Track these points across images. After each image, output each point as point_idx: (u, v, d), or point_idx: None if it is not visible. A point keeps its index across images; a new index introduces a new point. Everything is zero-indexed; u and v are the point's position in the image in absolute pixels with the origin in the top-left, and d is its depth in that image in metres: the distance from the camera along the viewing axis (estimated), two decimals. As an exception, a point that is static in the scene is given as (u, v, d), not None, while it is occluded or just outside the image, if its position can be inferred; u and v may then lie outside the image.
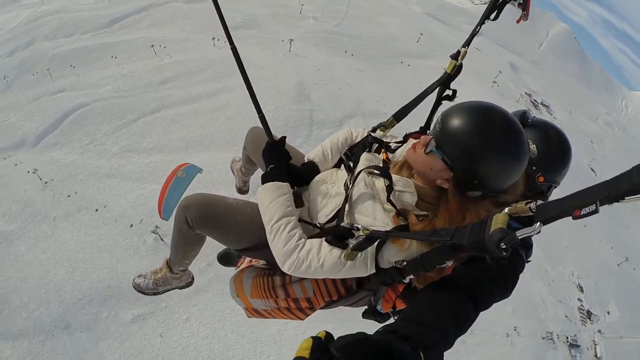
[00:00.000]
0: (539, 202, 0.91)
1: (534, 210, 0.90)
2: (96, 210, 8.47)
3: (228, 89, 10.75)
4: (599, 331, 11.77)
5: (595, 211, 0.77)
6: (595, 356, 10.93)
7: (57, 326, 7.08)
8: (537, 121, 1.67)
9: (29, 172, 9.25)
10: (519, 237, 0.87)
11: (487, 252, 0.94)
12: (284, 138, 1.74)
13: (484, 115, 1.25)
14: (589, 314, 12.44)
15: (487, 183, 1.28)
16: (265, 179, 1.60)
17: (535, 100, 23.61)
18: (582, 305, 12.57)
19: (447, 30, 21.97)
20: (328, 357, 0.78)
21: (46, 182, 9.04)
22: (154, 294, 2.45)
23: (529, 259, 1.60)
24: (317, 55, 13.76)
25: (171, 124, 10.09)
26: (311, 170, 1.78)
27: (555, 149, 1.61)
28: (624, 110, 39.55)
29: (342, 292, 1.72)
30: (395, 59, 16.33)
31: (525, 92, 23.34)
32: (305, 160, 1.83)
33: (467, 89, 16.52)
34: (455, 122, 1.26)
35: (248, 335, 7.28)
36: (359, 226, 1.34)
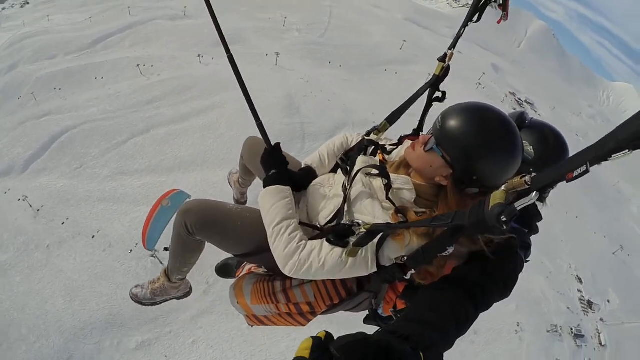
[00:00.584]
0: (534, 174, 0.94)
1: (529, 183, 0.93)
2: (92, 237, 8.39)
3: (217, 106, 10.79)
4: (601, 319, 12.06)
5: (586, 171, 0.81)
6: (600, 344, 11.21)
7: (60, 358, 6.99)
8: (535, 123, 1.72)
9: (19, 199, 9.11)
10: (518, 208, 0.91)
11: (488, 229, 0.98)
12: (278, 144, 1.79)
13: (483, 115, 1.32)
14: (590, 303, 12.75)
15: (485, 179, 1.33)
16: (266, 183, 1.64)
17: (520, 99, 24.19)
18: (583, 296, 12.85)
19: (429, 35, 22.43)
20: (328, 357, 0.79)
21: (37, 210, 8.91)
22: (152, 304, 2.45)
23: (527, 259, 1.63)
24: (303, 67, 13.91)
25: (162, 144, 10.06)
26: (309, 175, 1.82)
27: (552, 150, 1.65)
28: (606, 101, 40.66)
29: (343, 295, 1.74)
30: (379, 67, 16.59)
31: (510, 92, 23.87)
32: (303, 166, 1.87)
33: (453, 93, 16.56)
34: (456, 121, 1.32)
35: (257, 355, 7.25)
36: (360, 222, 1.37)
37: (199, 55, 12.37)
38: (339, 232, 1.43)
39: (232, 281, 2.08)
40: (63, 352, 7.06)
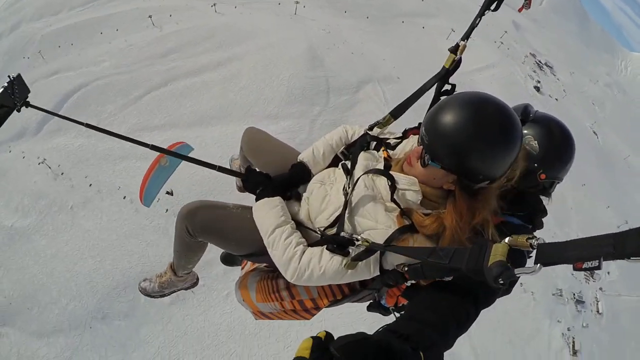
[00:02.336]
0: (540, 239, 0.91)
1: (534, 247, 0.91)
2: (122, 196, 8.09)
3: (237, 57, 10.15)
4: (600, 289, 12.20)
5: (598, 267, 0.75)
6: (597, 311, 11.46)
7: (94, 317, 6.90)
8: (540, 116, 1.64)
9: (37, 162, 8.81)
10: (517, 275, 0.88)
11: (485, 280, 0.94)
12: (248, 167, 1.80)
13: (466, 115, 1.23)
14: (592, 272, 12.68)
15: (491, 173, 1.29)
16: (256, 200, 1.67)
17: (540, 61, 23.02)
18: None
19: None
20: (328, 357, 0.79)
21: (57, 172, 8.61)
22: (161, 296, 2.53)
23: (530, 255, 1.56)
24: (323, 17, 13.10)
25: (181, 98, 9.52)
26: (301, 173, 1.81)
27: (557, 145, 1.60)
28: (623, 71, 39.11)
29: (346, 291, 1.75)
30: (400, 18, 15.71)
31: (530, 53, 22.74)
32: (297, 161, 1.85)
33: (474, 51, 15.97)
34: (442, 131, 1.26)
35: (282, 332, 7.12)
36: (359, 237, 1.35)
37: (214, 5, 11.49)
38: (338, 242, 1.41)
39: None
40: (97, 311, 6.99)
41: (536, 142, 1.56)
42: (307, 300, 1.79)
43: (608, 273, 13.08)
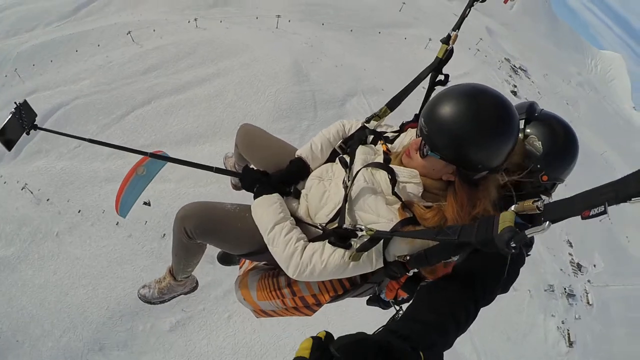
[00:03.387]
0: (546, 200, 0.94)
1: (541, 209, 0.94)
2: (104, 219, 7.88)
3: (221, 73, 10.17)
4: (589, 281, 12.86)
5: (604, 212, 0.78)
6: (588, 303, 12.08)
7: (91, 349, 6.79)
8: (545, 115, 1.64)
9: (18, 187, 8.49)
10: (528, 236, 0.90)
11: (497, 250, 0.96)
12: (246, 166, 1.84)
13: (464, 106, 1.26)
14: (579, 266, 13.57)
15: (491, 163, 1.31)
16: (254, 198, 1.67)
17: (514, 66, 23.94)
18: (573, 259, 13.66)
19: (434, 1, 21.69)
20: (328, 357, 0.80)
21: (40, 196, 8.34)
22: (161, 302, 2.49)
23: (529, 253, 1.64)
24: (304, 30, 13.28)
25: (165, 116, 9.44)
26: (299, 168, 1.81)
27: (560, 147, 1.59)
28: (594, 69, 40.93)
29: (347, 286, 1.75)
30: (379, 29, 16.06)
31: (505, 58, 23.56)
32: (295, 156, 1.86)
33: (452, 59, 16.32)
34: (441, 121, 1.28)
35: (294, 323, 7.16)
36: (362, 227, 1.36)
37: (195, 19, 11.42)
38: (340, 235, 1.42)
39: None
40: (93, 343, 6.87)
41: (540, 142, 1.56)
42: (308, 296, 1.80)
43: (594, 266, 13.81)
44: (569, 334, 10.30)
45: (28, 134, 2.22)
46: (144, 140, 8.95)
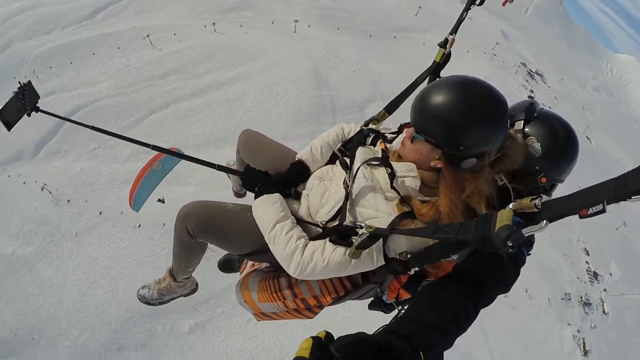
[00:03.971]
0: (544, 198, 0.93)
1: (539, 207, 0.93)
2: (124, 220, 8.05)
3: (241, 78, 10.34)
4: (605, 290, 12.84)
5: (603, 211, 0.78)
6: (604, 312, 12.02)
7: (108, 349, 6.89)
8: (544, 114, 1.61)
9: (37, 187, 8.72)
10: (526, 235, 0.91)
11: (494, 248, 0.97)
12: (247, 166, 1.83)
13: (446, 88, 1.33)
14: (596, 274, 13.48)
15: (473, 146, 1.32)
16: (255, 197, 1.69)
17: (531, 70, 23.83)
18: (589, 267, 13.62)
19: (444, 2, 21.83)
20: (328, 357, 0.81)
21: (59, 197, 8.54)
22: (160, 303, 2.49)
23: (529, 253, 1.63)
24: (321, 34, 13.45)
25: (185, 120, 9.64)
26: (300, 170, 1.84)
27: (560, 147, 1.57)
28: (609, 73, 40.66)
29: (348, 287, 1.77)
30: (395, 33, 16.20)
31: (521, 62, 23.55)
32: (296, 159, 1.89)
33: (468, 64, 16.62)
34: (422, 103, 1.36)
35: (313, 327, 7.11)
36: (362, 224, 1.37)
37: (213, 24, 11.67)
38: (341, 232, 1.45)
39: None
40: (111, 343, 6.95)
41: (539, 143, 1.54)
42: (309, 297, 1.81)
43: (610, 274, 13.73)
44: (584, 342, 10.36)
45: (29, 115, 2.25)
46: (163, 143, 9.00)
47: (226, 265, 2.84)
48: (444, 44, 1.83)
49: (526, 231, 0.91)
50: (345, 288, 1.76)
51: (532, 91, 20.77)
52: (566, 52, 34.09)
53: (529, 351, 9.34)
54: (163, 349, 6.82)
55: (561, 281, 11.74)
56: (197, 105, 9.74)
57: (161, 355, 6.78)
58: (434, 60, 1.86)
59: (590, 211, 0.80)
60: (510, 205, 0.99)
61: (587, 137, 22.35)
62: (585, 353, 10.13)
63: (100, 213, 8.26)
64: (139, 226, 7.88)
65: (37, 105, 2.20)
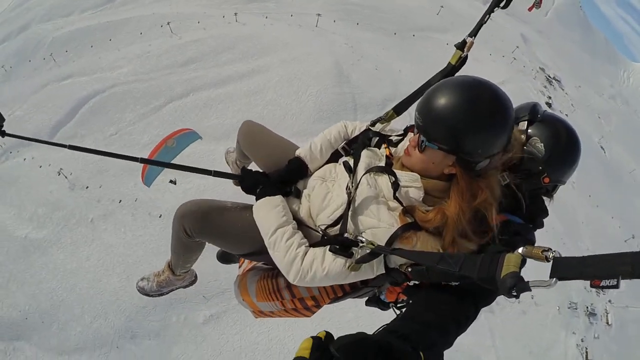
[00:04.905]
0: (555, 252, 0.92)
1: (549, 259, 0.91)
2: (141, 208, 8.17)
3: (261, 70, 10.39)
4: (610, 301, 12.92)
5: (616, 286, 0.77)
6: (607, 323, 12.24)
7: (122, 336, 6.98)
8: (547, 117, 1.65)
9: (52, 171, 8.84)
10: (531, 287, 0.91)
11: (497, 289, 0.97)
12: (244, 168, 1.88)
13: (456, 92, 1.32)
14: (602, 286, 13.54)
15: (488, 148, 1.34)
16: (257, 199, 1.71)
17: (549, 76, 23.89)
18: None
19: (467, 2, 21.88)
20: (328, 357, 0.83)
21: (74, 182, 8.68)
22: (159, 295, 2.57)
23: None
24: (343, 30, 13.46)
25: (204, 109, 9.73)
26: (298, 168, 1.85)
27: (563, 149, 1.62)
28: (626, 82, 40.57)
29: (347, 289, 1.80)
30: (416, 32, 16.18)
31: (540, 67, 23.60)
32: (295, 156, 1.89)
33: (488, 67, 16.69)
34: (434, 111, 1.33)
35: (326, 323, 7.22)
36: (363, 239, 1.39)
37: (235, 14, 11.80)
38: (342, 243, 1.46)
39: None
40: (125, 330, 7.05)
41: (542, 144, 1.58)
42: (308, 298, 1.85)
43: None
44: (587, 352, 10.58)
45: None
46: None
47: (225, 257, 2.89)
48: (461, 46, 1.80)
49: (532, 285, 0.91)
50: (343, 290, 1.81)
51: (549, 97, 20.80)
52: (584, 58, 34.01)
53: (534, 357, 9.52)
54: (177, 339, 6.90)
55: (569, 290, 11.82)
56: (217, 96, 9.82)
57: (174, 344, 6.86)
58: (449, 62, 1.83)
59: (603, 283, 0.78)
60: (520, 250, 0.98)
61: (602, 147, 22.51)
62: (588, 362, 10.36)
63: (120, 201, 8.36)
64: (160, 216, 8.00)
65: (2, 129, 2.20)
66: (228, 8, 12.57)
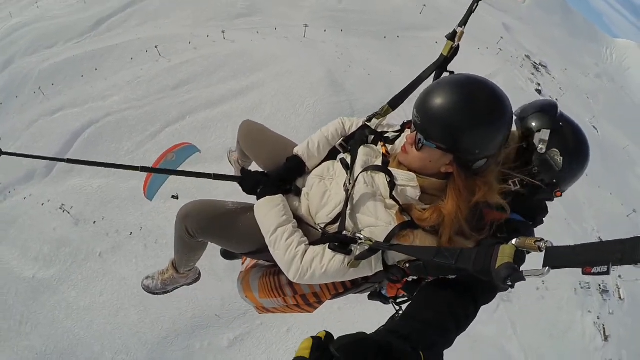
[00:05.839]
0: (548, 242, 0.96)
1: (542, 249, 0.95)
2: (149, 237, 8.25)
3: (256, 86, 10.53)
4: (619, 276, 13.27)
5: (607, 272, 0.81)
6: (620, 298, 12.62)
7: None
8: (568, 125, 1.64)
9: (53, 207, 8.82)
10: (525, 277, 0.94)
11: (493, 280, 1.00)
12: (243, 169, 1.94)
13: (455, 91, 1.35)
14: None
15: (486, 147, 1.37)
16: (257, 199, 1.78)
17: (535, 62, 24.45)
18: None
19: None
20: (328, 357, 0.85)
21: (78, 216, 8.67)
22: (164, 292, 2.69)
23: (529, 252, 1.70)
24: (331, 38, 13.66)
25: (203, 131, 9.82)
26: (296, 166, 1.92)
27: (579, 165, 1.63)
28: (609, 58, 41.63)
29: (348, 285, 1.88)
30: (401, 33, 16.46)
31: (525, 55, 24.14)
32: (293, 154, 1.96)
33: (477, 60, 17.06)
34: (433, 109, 1.35)
35: (351, 329, 7.38)
36: (362, 236, 1.45)
37: (222, 32, 11.98)
38: (340, 241, 1.52)
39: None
40: None
41: (561, 158, 1.57)
42: (309, 294, 1.92)
43: None
44: (604, 328, 10.94)
45: None
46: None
47: (228, 254, 2.96)
48: (452, 37, 1.82)
49: (527, 274, 0.94)
50: (344, 286, 1.87)
51: (539, 84, 21.26)
52: (567, 41, 34.78)
53: (554, 340, 9.84)
54: (203, 366, 7.00)
55: (579, 271, 12.17)
56: (214, 116, 9.94)
57: (202, 371, 6.97)
58: (441, 54, 1.85)
59: (594, 270, 0.82)
60: (514, 242, 1.01)
61: (594, 127, 22.91)
62: (606, 338, 10.73)
63: (122, 231, 8.43)
64: (166, 244, 8.10)
65: None
66: (214, 26, 12.74)
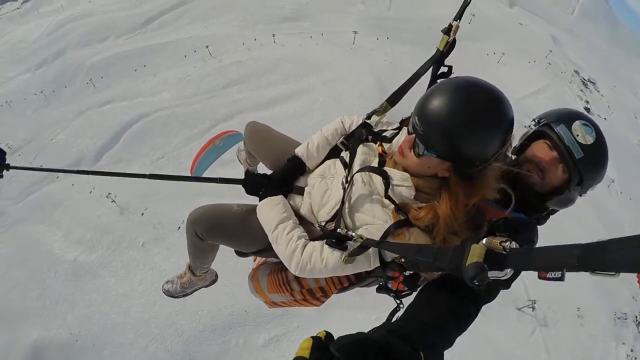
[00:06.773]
0: (512, 243, 0.99)
1: (506, 251, 0.98)
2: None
3: (306, 91, 10.79)
4: None
5: (561, 279, 0.81)
6: None
7: (180, 359, 7.19)
8: (597, 141, 1.64)
9: (98, 195, 9.30)
10: (490, 278, 0.96)
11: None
12: (247, 172, 2.11)
13: (458, 101, 1.36)
14: None
15: (486, 156, 1.40)
16: (260, 200, 1.93)
17: (584, 78, 23.80)
18: None
19: (496, 9, 22.22)
20: (328, 357, 0.88)
21: (123, 206, 9.12)
22: (184, 295, 2.95)
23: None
24: (379, 46, 13.76)
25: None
26: (297, 165, 2.04)
27: (598, 180, 1.67)
28: None
29: (353, 279, 2.00)
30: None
31: (574, 70, 23.59)
32: (293, 154, 2.07)
33: (524, 74, 16.82)
34: (435, 118, 1.37)
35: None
36: (354, 234, 1.53)
37: (272, 35, 12.45)
38: (337, 237, 1.61)
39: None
40: (183, 354, 7.17)
41: (591, 142, 1.60)
42: (315, 289, 2.05)
43: None
44: None
45: (1, 176, 2.45)
46: (229, 155, 9.57)
47: (240, 252, 3.32)
48: (447, 31, 1.91)
49: (491, 275, 0.96)
50: (349, 280, 2.00)
51: (587, 102, 20.62)
52: (615, 55, 33.63)
53: None
54: (237, 362, 7.04)
55: (618, 301, 11.90)
56: (262, 118, 10.16)
57: (235, 368, 7.02)
58: (437, 49, 1.95)
59: (549, 275, 0.82)
60: (484, 241, 1.03)
61: (641, 148, 22.22)
62: (638, 371, 10.43)
63: (166, 224, 8.78)
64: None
65: (6, 162, 2.45)
66: (263, 29, 13.11)
